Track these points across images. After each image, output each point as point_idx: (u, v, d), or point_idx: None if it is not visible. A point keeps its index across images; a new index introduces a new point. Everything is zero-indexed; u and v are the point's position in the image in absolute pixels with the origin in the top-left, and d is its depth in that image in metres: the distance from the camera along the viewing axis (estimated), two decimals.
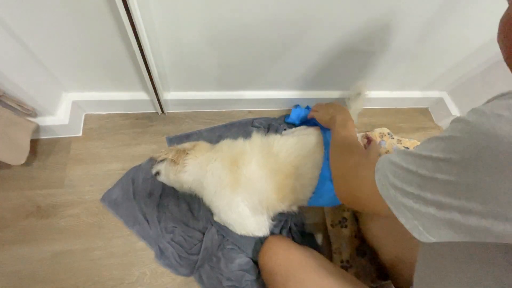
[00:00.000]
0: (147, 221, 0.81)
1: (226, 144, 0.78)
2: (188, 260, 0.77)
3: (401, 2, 0.70)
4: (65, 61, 0.75)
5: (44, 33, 0.65)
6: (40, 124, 0.81)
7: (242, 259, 0.79)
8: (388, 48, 0.87)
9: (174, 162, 0.73)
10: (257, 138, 0.79)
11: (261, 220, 0.76)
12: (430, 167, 0.31)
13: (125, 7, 0.57)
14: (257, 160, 0.73)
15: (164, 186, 0.85)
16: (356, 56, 0.88)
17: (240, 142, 0.78)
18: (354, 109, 0.93)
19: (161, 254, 0.78)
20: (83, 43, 0.70)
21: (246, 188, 0.71)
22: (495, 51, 0.93)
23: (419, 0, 0.71)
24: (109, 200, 0.82)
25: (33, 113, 0.77)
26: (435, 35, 0.84)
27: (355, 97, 0.93)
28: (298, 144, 0.78)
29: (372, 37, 0.81)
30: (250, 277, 0.77)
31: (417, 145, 0.37)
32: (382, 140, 1.09)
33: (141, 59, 0.71)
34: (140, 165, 0.89)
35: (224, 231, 0.81)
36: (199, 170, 0.73)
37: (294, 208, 0.79)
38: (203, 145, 0.79)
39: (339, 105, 0.86)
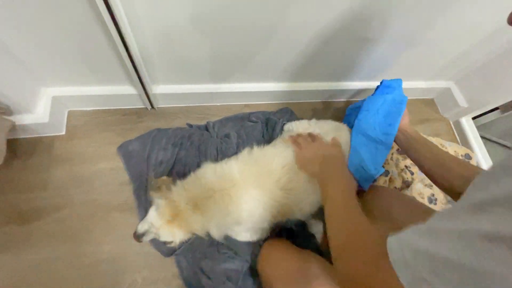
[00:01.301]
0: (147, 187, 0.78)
1: (210, 175, 0.65)
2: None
3: None
4: (41, 53, 0.68)
5: (16, 23, 0.58)
6: (18, 122, 0.74)
7: (230, 265, 0.75)
8: (392, 34, 0.80)
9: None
10: (245, 161, 0.68)
11: (260, 230, 0.73)
12: None
13: None
14: (251, 190, 0.64)
15: (175, 162, 0.85)
16: (358, 44, 0.82)
17: (227, 168, 0.66)
18: None
19: None
20: (59, 33, 0.62)
21: (245, 220, 0.65)
22: (508, 37, 0.87)
23: None
24: (125, 150, 0.85)
25: (8, 111, 0.71)
26: (444, 19, 0.77)
27: None
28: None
29: (375, 23, 0.74)
30: (232, 286, 0.73)
31: None
32: None
33: (123, 49, 0.64)
34: (167, 130, 0.89)
35: (224, 238, 0.77)
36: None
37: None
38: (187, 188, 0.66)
39: (329, 146, 0.70)
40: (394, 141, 0.73)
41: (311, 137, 0.72)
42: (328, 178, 0.58)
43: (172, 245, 0.64)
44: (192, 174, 0.67)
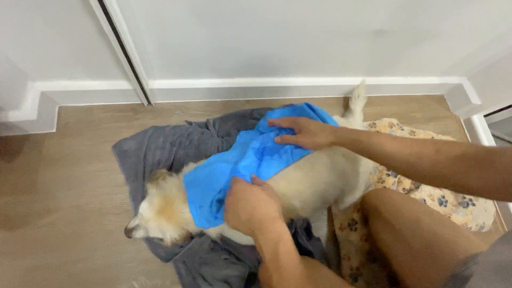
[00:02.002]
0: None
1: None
2: (170, 247, 0.68)
3: None
4: (26, 44, 0.62)
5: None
6: (2, 120, 0.69)
7: (231, 271, 0.71)
8: (406, 27, 0.74)
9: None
10: None
11: None
12: None
13: None
14: None
15: (174, 161, 0.80)
16: (371, 36, 0.76)
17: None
18: (354, 110, 0.92)
19: None
20: (45, 22, 0.57)
21: None
22: None
23: None
24: (120, 149, 0.80)
25: None
26: (463, 12, 0.72)
27: (356, 100, 0.93)
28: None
29: (388, 14, 0.69)
30: None
31: None
32: (391, 130, 0.99)
33: (115, 41, 0.58)
34: (163, 127, 0.84)
35: (224, 242, 0.72)
36: None
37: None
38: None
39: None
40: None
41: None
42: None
43: (165, 244, 0.60)
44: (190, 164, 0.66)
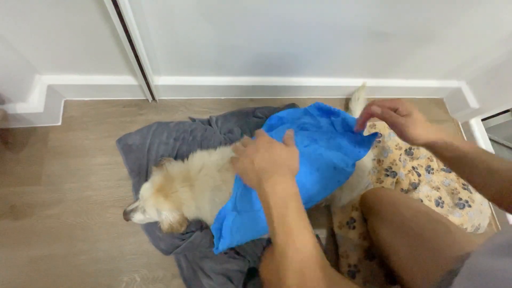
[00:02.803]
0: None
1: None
2: (171, 240, 0.73)
3: None
4: (34, 39, 0.63)
5: (9, 5, 0.53)
6: (10, 112, 0.70)
7: (231, 265, 0.72)
8: (410, 30, 0.76)
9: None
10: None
11: None
12: None
13: None
14: None
15: (176, 156, 0.82)
16: (372, 39, 0.77)
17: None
18: (354, 111, 0.94)
19: None
20: (55, 17, 0.58)
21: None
22: None
23: None
24: (124, 143, 0.81)
25: (0, 100, 0.66)
26: (466, 16, 0.73)
27: (356, 102, 0.95)
28: None
29: (393, 18, 0.70)
30: (232, 287, 0.71)
31: None
32: (391, 131, 1.01)
33: (125, 38, 0.60)
34: (167, 123, 0.86)
35: None
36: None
37: None
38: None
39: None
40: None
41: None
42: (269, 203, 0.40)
43: (162, 229, 0.63)
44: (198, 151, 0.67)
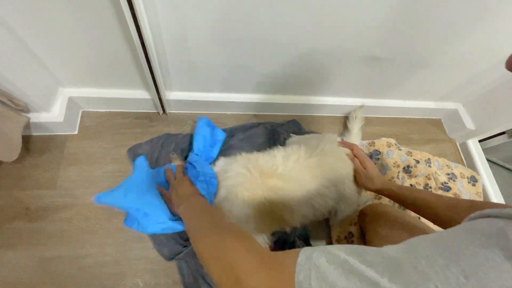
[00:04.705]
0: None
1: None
2: (174, 246, 0.75)
3: (427, 10, 0.65)
4: (61, 55, 0.70)
5: (39, 24, 0.61)
6: (34, 120, 0.76)
7: None
8: (406, 56, 0.82)
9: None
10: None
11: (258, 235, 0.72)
12: None
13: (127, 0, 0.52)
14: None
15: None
16: (372, 62, 0.83)
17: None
18: (352, 129, 0.99)
19: None
20: (81, 37, 0.65)
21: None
22: None
23: (446, 8, 0.66)
24: (135, 152, 0.86)
25: (25, 109, 0.72)
26: (458, 45, 0.79)
27: (353, 120, 1.00)
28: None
29: (392, 45, 0.76)
30: None
31: None
32: (389, 149, 1.04)
33: (143, 56, 0.66)
34: (176, 135, 0.91)
35: None
36: None
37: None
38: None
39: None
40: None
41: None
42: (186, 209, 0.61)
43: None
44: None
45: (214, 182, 0.69)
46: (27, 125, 0.75)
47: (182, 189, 0.68)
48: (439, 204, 0.58)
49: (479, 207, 0.51)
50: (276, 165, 0.66)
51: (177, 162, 0.80)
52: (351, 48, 0.77)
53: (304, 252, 0.30)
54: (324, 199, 0.67)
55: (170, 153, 0.86)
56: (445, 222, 0.56)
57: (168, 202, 0.69)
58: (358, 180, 0.72)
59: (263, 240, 0.70)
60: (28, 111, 0.74)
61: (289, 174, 0.65)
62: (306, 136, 0.91)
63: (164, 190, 0.72)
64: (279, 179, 0.64)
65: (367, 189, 0.72)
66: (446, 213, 0.56)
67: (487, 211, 0.27)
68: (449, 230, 0.28)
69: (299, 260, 0.29)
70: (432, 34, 0.74)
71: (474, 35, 0.75)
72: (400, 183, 0.97)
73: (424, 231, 0.66)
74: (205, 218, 0.53)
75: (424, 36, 0.74)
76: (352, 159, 0.73)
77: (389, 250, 0.28)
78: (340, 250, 0.29)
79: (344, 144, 0.76)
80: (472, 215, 0.28)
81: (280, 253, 0.34)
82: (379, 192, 0.71)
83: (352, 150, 0.74)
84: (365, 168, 0.71)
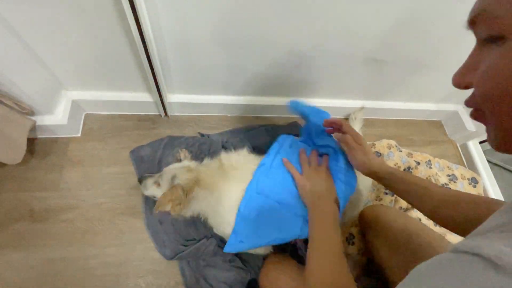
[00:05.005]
0: None
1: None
2: (175, 246, 0.76)
3: (427, 14, 0.66)
4: (65, 59, 0.71)
5: (44, 29, 0.62)
6: (38, 123, 0.77)
7: (233, 275, 0.75)
8: (407, 59, 0.83)
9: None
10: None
11: None
12: None
13: (130, 2, 0.53)
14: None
15: None
16: (373, 65, 0.84)
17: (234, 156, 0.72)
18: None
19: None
20: (85, 41, 0.66)
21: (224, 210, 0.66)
22: None
23: (446, 11, 0.67)
24: (137, 154, 0.87)
25: (30, 112, 0.74)
26: (458, 47, 0.80)
27: (353, 122, 1.00)
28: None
29: (392, 48, 0.77)
30: None
31: None
32: (390, 151, 1.05)
33: (146, 59, 0.67)
34: (178, 137, 0.92)
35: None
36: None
37: None
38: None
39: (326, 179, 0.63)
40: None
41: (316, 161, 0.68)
42: (316, 216, 0.59)
43: (162, 196, 0.62)
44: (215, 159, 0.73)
45: (354, 184, 0.64)
46: (33, 128, 0.76)
47: (318, 182, 0.62)
48: (441, 197, 0.53)
49: (482, 206, 0.49)
50: None
51: (184, 157, 0.77)
52: (353, 51, 0.78)
53: None
54: None
55: (178, 149, 0.83)
56: (443, 219, 0.54)
57: (299, 188, 0.63)
58: (353, 159, 0.62)
59: None
60: (33, 114, 0.75)
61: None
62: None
63: (297, 173, 0.65)
64: None
65: (363, 170, 0.62)
66: (447, 210, 0.52)
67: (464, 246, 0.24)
68: (438, 261, 0.27)
69: None
70: (432, 36, 0.75)
71: (474, 37, 0.76)
72: (408, 173, 0.97)
73: (424, 232, 0.66)
74: (329, 242, 0.53)
75: (424, 38, 0.75)
76: (342, 136, 0.63)
77: None
78: None
79: (330, 122, 0.65)
80: (457, 246, 0.26)
81: None
82: (376, 175, 0.60)
83: (341, 126, 0.63)
84: (360, 145, 0.62)
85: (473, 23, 0.27)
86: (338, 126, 0.64)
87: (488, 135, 0.28)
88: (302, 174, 0.65)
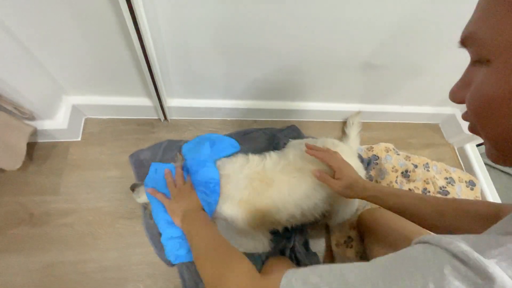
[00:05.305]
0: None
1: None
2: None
3: (423, 18, 0.67)
4: (66, 64, 0.72)
5: (44, 34, 0.63)
6: (38, 128, 0.78)
7: None
8: (404, 63, 0.84)
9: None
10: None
11: (258, 238, 0.73)
12: None
13: (129, 9, 0.54)
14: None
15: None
16: (370, 69, 0.85)
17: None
18: (349, 135, 1.00)
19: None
20: (85, 46, 0.67)
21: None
22: None
23: (443, 16, 0.68)
24: (136, 158, 0.88)
25: (31, 117, 0.74)
26: (455, 51, 0.81)
27: (350, 126, 1.02)
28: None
29: (388, 52, 0.78)
30: None
31: None
32: (388, 154, 1.05)
33: (145, 64, 0.68)
34: (177, 141, 0.92)
35: None
36: None
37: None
38: None
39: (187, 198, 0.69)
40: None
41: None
42: (187, 227, 0.63)
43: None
44: None
45: (217, 189, 0.69)
46: (33, 134, 0.77)
47: (184, 200, 0.68)
48: (426, 210, 0.56)
49: (463, 209, 0.51)
50: (265, 167, 0.70)
51: (178, 163, 0.79)
52: (350, 55, 0.79)
53: (286, 276, 0.34)
54: (314, 202, 0.69)
55: (176, 153, 0.86)
56: (432, 227, 0.56)
57: (170, 212, 0.68)
58: (336, 192, 0.63)
59: (265, 239, 0.74)
60: (33, 118, 0.76)
61: (277, 176, 0.68)
62: (304, 140, 0.92)
63: (165, 199, 0.70)
64: (268, 181, 0.68)
65: (348, 197, 0.64)
66: (433, 221, 0.55)
67: (429, 239, 0.27)
68: (401, 255, 0.29)
69: (281, 284, 0.33)
70: (428, 41, 0.76)
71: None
72: (398, 186, 0.98)
73: (420, 233, 0.67)
74: (204, 239, 0.55)
75: (420, 43, 0.76)
76: (320, 174, 0.64)
77: (351, 275, 0.30)
78: (314, 275, 0.32)
79: (312, 152, 0.66)
80: (422, 238, 0.28)
81: (267, 277, 0.39)
82: (364, 199, 0.62)
83: (322, 160, 0.64)
84: (340, 178, 0.63)
85: (463, 43, 0.28)
86: (319, 159, 0.65)
87: (485, 148, 0.29)
88: (170, 198, 0.70)
